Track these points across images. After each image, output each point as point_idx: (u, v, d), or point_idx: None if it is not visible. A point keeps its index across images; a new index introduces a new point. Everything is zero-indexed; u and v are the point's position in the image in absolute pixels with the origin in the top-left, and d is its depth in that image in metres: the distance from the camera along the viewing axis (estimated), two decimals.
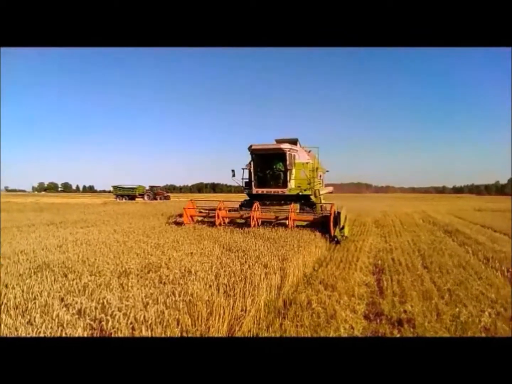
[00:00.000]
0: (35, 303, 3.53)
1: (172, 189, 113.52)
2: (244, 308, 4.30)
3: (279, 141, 13.47)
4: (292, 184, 12.85)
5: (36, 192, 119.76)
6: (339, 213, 10.32)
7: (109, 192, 56.53)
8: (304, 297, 5.09)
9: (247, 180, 13.58)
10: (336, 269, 6.85)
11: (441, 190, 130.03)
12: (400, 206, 31.64)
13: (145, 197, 46.29)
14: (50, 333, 2.86)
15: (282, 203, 12.54)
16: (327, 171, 17.44)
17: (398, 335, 3.44)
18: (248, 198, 13.68)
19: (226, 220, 12.00)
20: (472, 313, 4.52)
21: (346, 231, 10.88)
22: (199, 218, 12.54)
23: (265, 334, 3.92)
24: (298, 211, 11.87)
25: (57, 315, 3.17)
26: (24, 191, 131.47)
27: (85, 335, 2.89)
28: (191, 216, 12.53)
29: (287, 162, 12.49)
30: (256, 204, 11.52)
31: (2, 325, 3.00)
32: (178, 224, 11.92)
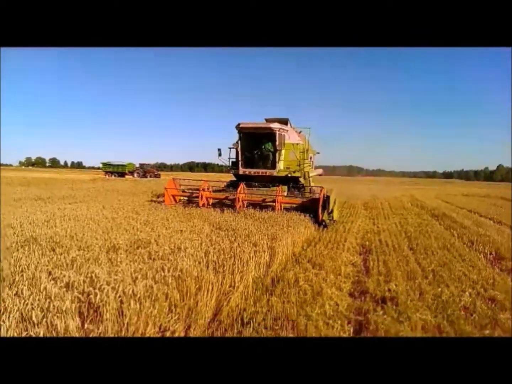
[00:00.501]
0: (22, 276, 3.52)
1: (162, 167, 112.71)
2: (232, 284, 4.36)
3: (269, 120, 13.02)
4: (281, 165, 12.41)
5: (23, 167, 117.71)
6: (328, 196, 9.97)
7: (98, 168, 55.90)
8: (292, 275, 5.17)
9: (234, 160, 13.10)
10: (324, 249, 6.95)
11: (432, 175, 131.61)
12: (390, 190, 31.98)
13: (135, 175, 45.87)
14: (38, 304, 2.87)
15: (270, 185, 12.02)
16: (318, 153, 17.12)
17: (395, 335, 3.49)
18: (234, 179, 13.19)
19: (211, 201, 11.34)
20: (453, 293, 4.65)
21: (335, 215, 10.62)
22: (182, 199, 11.90)
23: (252, 309, 4.00)
24: (286, 193, 11.58)
25: (45, 288, 3.17)
26: (11, 165, 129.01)
27: (73, 307, 2.91)
28: (173, 196, 11.82)
29: (277, 143, 12.04)
30: (242, 185, 10.93)
31: None
32: (159, 203, 11.31)
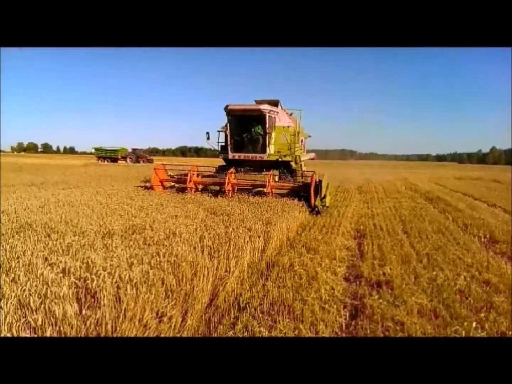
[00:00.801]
0: (18, 262, 3.51)
1: (155, 152, 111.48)
2: (228, 269, 4.39)
3: (259, 102, 12.52)
4: (271, 149, 12.04)
5: (15, 153, 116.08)
6: (320, 181, 9.64)
7: (91, 154, 55.31)
8: (286, 259, 5.22)
9: (223, 144, 12.70)
10: (318, 234, 7.00)
11: (425, 158, 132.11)
12: (383, 173, 32.10)
13: (128, 160, 45.48)
14: (35, 291, 2.87)
15: (264, 170, 11.71)
16: (310, 136, 16.76)
17: (394, 335, 3.53)
18: (224, 164, 12.86)
19: (200, 187, 11.08)
20: (448, 276, 4.73)
21: (327, 200, 10.35)
22: (171, 184, 11.54)
23: (248, 294, 4.04)
24: (277, 178, 11.32)
25: (42, 274, 3.16)
26: (3, 151, 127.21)
27: (70, 293, 2.91)
28: (161, 182, 11.48)
29: (267, 125, 11.61)
30: (232, 170, 10.67)
31: None
32: (147, 189, 11.04)
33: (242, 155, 12.14)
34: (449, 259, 5.55)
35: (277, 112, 12.26)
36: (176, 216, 6.31)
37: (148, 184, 12.68)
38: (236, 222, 5.93)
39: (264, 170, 11.69)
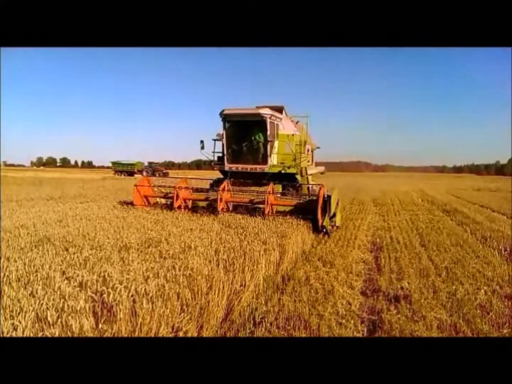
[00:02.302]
0: (37, 275, 3.55)
1: (170, 165, 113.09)
2: (243, 283, 4.36)
3: (260, 108, 10.91)
4: (273, 159, 10.57)
5: (34, 167, 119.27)
6: (329, 196, 8.23)
7: (108, 168, 56.47)
8: (302, 273, 5.16)
9: (221, 154, 11.16)
10: (334, 247, 6.92)
11: (441, 170, 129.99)
12: (399, 185, 31.70)
13: (144, 173, 46.12)
14: (52, 304, 2.90)
15: (265, 182, 9.97)
16: (318, 147, 15.25)
17: (398, 335, 3.48)
18: (221, 177, 11.27)
19: (190, 203, 9.59)
20: (468, 290, 4.59)
21: (337, 219, 8.95)
22: (158, 201, 10.18)
23: (263, 309, 3.99)
24: (280, 193, 9.90)
25: (59, 287, 3.20)
26: (23, 165, 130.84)
27: (87, 307, 2.93)
28: (146, 197, 10.01)
29: (268, 132, 10.16)
30: (226, 183, 9.23)
31: (5, 297, 3.03)
32: (128, 204, 9.71)
33: (240, 166, 10.71)
34: (469, 272, 5.40)
35: (280, 119, 10.98)
36: (191, 229, 6.34)
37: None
38: (251, 235, 5.91)
39: (265, 182, 10.33)
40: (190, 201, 9.61)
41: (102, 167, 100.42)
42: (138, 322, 2.98)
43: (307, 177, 11.57)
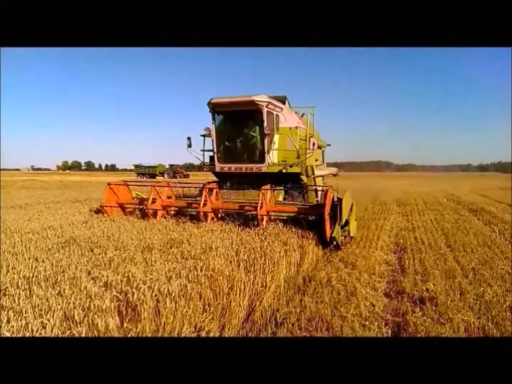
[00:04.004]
0: (64, 275, 3.66)
1: (191, 167, 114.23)
2: (264, 284, 4.35)
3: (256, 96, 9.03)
4: (273, 157, 8.87)
5: (60, 171, 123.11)
6: (340, 200, 6.54)
7: (131, 170, 57.70)
8: (324, 274, 5.11)
9: (212, 153, 9.54)
10: (356, 248, 6.83)
11: (466, 169, 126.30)
12: (423, 184, 30.98)
13: (165, 176, 46.99)
14: (79, 303, 2.98)
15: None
16: (329, 145, 13.54)
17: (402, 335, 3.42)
18: (216, 179, 9.80)
19: (171, 211, 8.29)
20: (497, 292, 4.43)
21: (351, 228, 7.27)
22: (135, 207, 8.62)
23: (285, 309, 3.98)
24: (281, 197, 8.61)
25: (85, 287, 3.28)
26: (49, 169, 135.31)
27: (112, 306, 2.99)
28: (121, 205, 8.53)
29: (264, 124, 8.37)
30: (209, 187, 7.79)
31: (34, 296, 3.13)
32: (98, 213, 8.43)
33: (233, 167, 9.05)
34: (497, 274, 5.21)
35: (281, 108, 9.21)
36: (212, 229, 6.38)
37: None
38: (271, 236, 5.90)
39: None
40: (172, 207, 8.29)
41: (125, 170, 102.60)
42: (161, 321, 3.03)
43: (314, 178, 9.48)
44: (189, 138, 9.45)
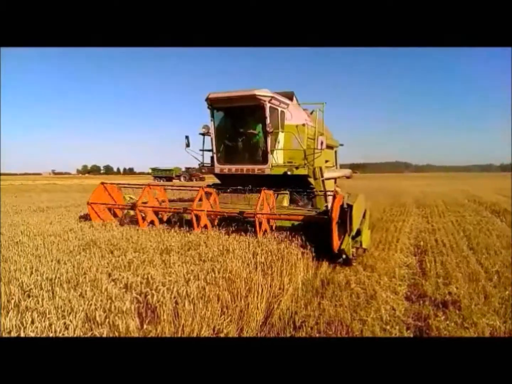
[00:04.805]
0: (85, 277, 3.72)
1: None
2: (282, 287, 4.33)
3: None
4: (278, 157, 8.22)
5: (80, 174, 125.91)
6: (350, 207, 5.56)
7: (148, 174, 58.55)
8: (342, 277, 5.04)
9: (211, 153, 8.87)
10: (375, 250, 6.71)
11: (487, 169, 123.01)
12: (442, 185, 30.32)
13: (182, 179, 47.43)
14: (100, 305, 3.02)
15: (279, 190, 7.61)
16: (341, 144, 12.53)
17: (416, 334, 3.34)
18: (218, 181, 9.18)
19: (165, 217, 7.33)
20: None
21: (364, 238, 6.21)
22: (126, 213, 7.70)
23: (303, 313, 3.94)
24: (286, 202, 7.80)
25: (106, 289, 3.33)
26: (69, 173, 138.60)
27: (132, 308, 3.02)
28: (110, 209, 7.78)
29: (267, 120, 7.68)
30: (201, 193, 6.82)
31: (57, 298, 3.19)
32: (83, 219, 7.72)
33: (234, 168, 8.37)
34: None
35: (287, 104, 8.55)
36: (229, 232, 6.39)
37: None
38: (288, 238, 5.86)
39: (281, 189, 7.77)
40: (165, 213, 7.35)
41: (142, 173, 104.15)
42: (180, 323, 3.05)
43: (322, 181, 8.47)
44: (187, 137, 8.83)
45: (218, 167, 8.55)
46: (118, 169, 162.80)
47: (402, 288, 4.73)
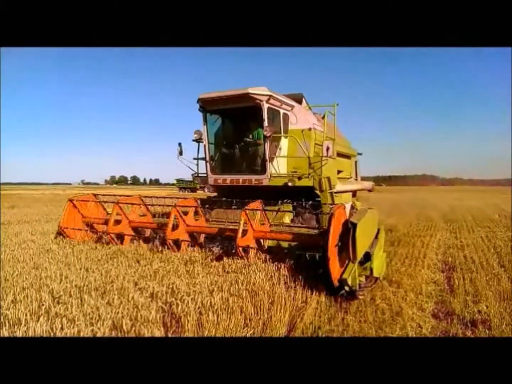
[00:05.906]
0: (112, 285, 3.84)
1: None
2: (305, 300, 4.30)
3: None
4: (280, 166, 7.11)
5: (108, 185, 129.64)
6: (354, 225, 4.31)
7: (173, 185, 59.70)
8: (366, 292, 4.95)
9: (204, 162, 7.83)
10: (401, 265, 6.56)
11: None
12: (471, 199, 29.32)
13: (205, 190, 47.95)
14: (127, 313, 3.10)
15: (279, 202, 6.14)
16: (360, 153, 11.14)
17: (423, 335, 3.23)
18: (215, 193, 8.39)
19: (148, 233, 6.59)
20: None
21: (377, 264, 4.86)
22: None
23: (327, 327, 3.89)
24: (288, 218, 6.65)
25: (132, 298, 3.43)
26: (98, 184, 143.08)
27: (158, 317, 3.08)
28: (89, 225, 7.06)
29: (265, 123, 6.66)
30: (187, 202, 6.32)
31: (85, 305, 3.29)
32: (61, 235, 6.73)
33: (229, 178, 7.38)
34: None
35: (292, 106, 7.47)
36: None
37: None
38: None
39: (279, 202, 6.16)
40: (149, 230, 6.64)
41: (168, 184, 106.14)
42: (204, 334, 3.08)
43: (331, 194, 7.03)
44: (180, 145, 7.84)
45: (212, 178, 7.67)
46: (144, 180, 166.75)
47: (429, 305, 4.59)
